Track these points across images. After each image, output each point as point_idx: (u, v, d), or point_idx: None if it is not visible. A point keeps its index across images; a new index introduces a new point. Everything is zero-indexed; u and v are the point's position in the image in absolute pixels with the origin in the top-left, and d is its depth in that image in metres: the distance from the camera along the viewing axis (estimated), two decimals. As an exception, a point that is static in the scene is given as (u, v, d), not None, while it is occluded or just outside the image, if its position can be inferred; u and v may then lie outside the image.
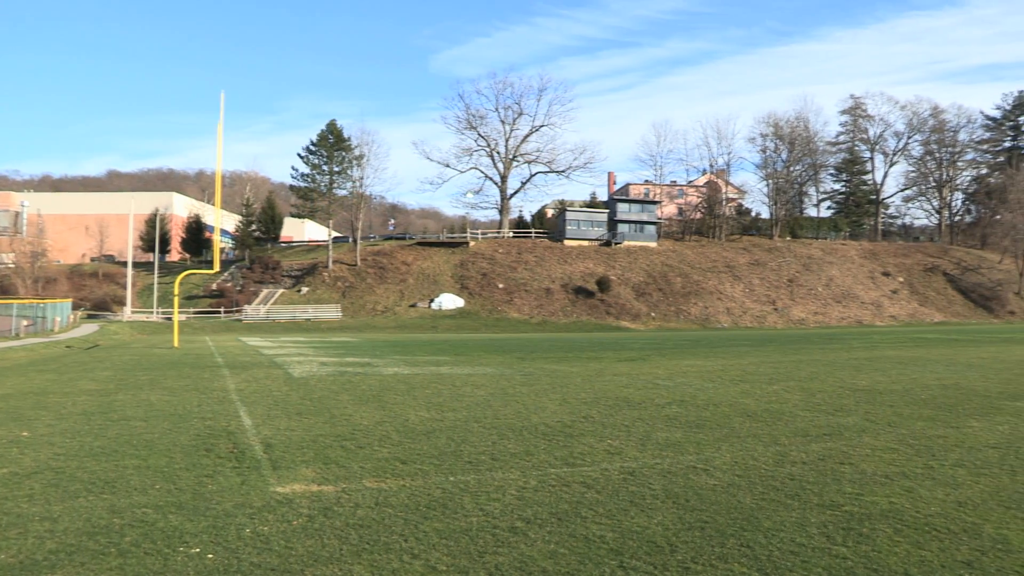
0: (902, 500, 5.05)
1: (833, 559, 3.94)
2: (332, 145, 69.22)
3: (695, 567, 3.83)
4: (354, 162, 70.20)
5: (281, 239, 79.29)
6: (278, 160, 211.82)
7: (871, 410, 8.93)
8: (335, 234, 72.94)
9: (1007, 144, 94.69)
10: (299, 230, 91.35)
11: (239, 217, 74.41)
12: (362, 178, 70.71)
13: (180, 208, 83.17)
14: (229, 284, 63.33)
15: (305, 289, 62.63)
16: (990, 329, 36.71)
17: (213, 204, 66.78)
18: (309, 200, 69.47)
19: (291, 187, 73.15)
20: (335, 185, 69.27)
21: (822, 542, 4.21)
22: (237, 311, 57.42)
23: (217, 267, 30.70)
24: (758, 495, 5.20)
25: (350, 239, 70.72)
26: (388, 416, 8.83)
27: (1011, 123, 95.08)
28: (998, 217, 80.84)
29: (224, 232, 74.85)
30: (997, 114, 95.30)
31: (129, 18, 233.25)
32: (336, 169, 69.43)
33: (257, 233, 73.58)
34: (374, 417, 8.76)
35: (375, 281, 64.44)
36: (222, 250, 72.32)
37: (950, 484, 5.47)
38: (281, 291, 61.84)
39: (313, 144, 69.76)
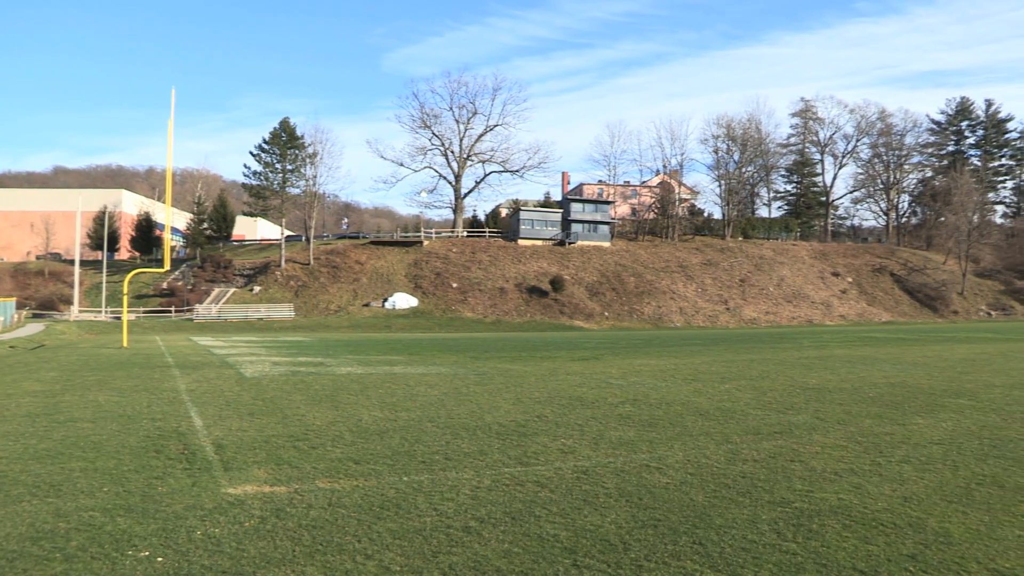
0: (850, 496, 5.13)
1: (783, 555, 3.99)
2: (285, 143, 68.53)
3: (648, 564, 3.86)
4: (307, 160, 69.59)
5: (233, 238, 78.37)
6: (230, 158, 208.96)
7: (821, 408, 9.07)
8: (288, 233, 72.29)
9: (951, 148, 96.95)
10: (251, 229, 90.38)
11: (190, 215, 73.34)
12: (315, 176, 70.16)
13: (130, 206, 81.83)
14: (180, 283, 62.41)
15: (257, 288, 61.94)
16: (935, 328, 37.50)
17: (164, 202, 65.81)
18: (262, 198, 68.70)
19: (243, 185, 72.23)
20: (288, 183, 68.62)
21: (773, 538, 4.26)
22: (188, 310, 56.60)
23: (168, 266, 30.21)
24: (710, 493, 5.25)
25: (303, 238, 70.16)
26: (341, 416, 8.77)
27: (954, 128, 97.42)
28: (942, 219, 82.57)
29: (175, 230, 73.74)
30: (942, 119, 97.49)
31: (77, 11, 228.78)
32: (289, 167, 68.75)
33: (209, 231, 72.63)
34: (327, 417, 8.69)
35: (328, 280, 63.95)
36: (173, 248, 71.26)
37: (896, 480, 5.58)
38: (233, 290, 61.07)
39: (266, 142, 69.00)
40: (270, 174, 68.87)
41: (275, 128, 69.56)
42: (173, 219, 69.61)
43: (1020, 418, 8.19)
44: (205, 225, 72.39)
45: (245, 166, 69.74)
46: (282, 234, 68.98)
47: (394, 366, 13.88)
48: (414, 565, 3.87)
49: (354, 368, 14.92)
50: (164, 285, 61.75)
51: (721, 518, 4.65)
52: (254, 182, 69.19)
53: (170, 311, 56.73)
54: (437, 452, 6.71)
